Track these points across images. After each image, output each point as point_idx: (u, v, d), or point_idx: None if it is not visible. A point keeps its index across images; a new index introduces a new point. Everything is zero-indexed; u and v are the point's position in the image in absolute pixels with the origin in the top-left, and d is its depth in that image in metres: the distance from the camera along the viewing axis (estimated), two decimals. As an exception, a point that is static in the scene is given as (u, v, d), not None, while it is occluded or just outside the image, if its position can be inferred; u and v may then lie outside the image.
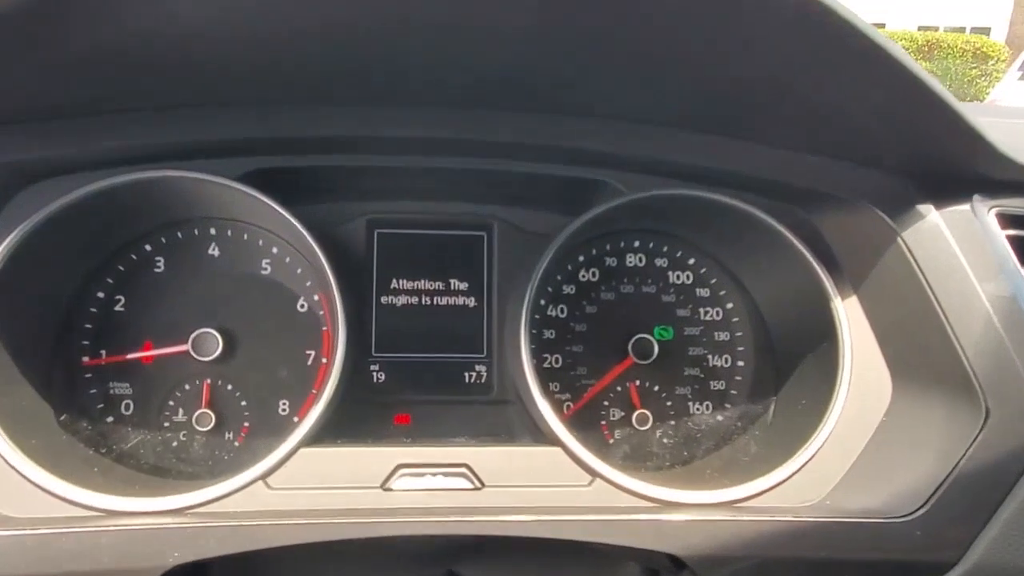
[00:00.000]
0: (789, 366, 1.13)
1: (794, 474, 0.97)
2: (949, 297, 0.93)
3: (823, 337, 1.05)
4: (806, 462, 0.97)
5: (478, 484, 0.96)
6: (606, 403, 1.19)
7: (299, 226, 1.01)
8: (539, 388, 1.01)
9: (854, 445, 0.98)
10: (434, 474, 0.96)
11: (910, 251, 0.96)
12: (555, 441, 0.99)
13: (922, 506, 0.87)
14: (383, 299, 1.19)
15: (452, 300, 1.20)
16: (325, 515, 0.89)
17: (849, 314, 1.03)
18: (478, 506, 0.94)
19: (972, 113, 0.85)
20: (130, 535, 0.83)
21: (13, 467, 0.87)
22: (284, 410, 1.14)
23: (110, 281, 1.12)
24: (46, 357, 1.03)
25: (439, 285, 1.20)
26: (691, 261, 1.23)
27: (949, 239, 0.95)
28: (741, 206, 1.06)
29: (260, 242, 1.16)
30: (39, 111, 0.91)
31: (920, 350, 0.97)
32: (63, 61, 0.79)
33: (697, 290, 1.23)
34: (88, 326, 1.11)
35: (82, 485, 0.88)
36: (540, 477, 0.97)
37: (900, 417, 0.98)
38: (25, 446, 0.88)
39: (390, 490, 0.94)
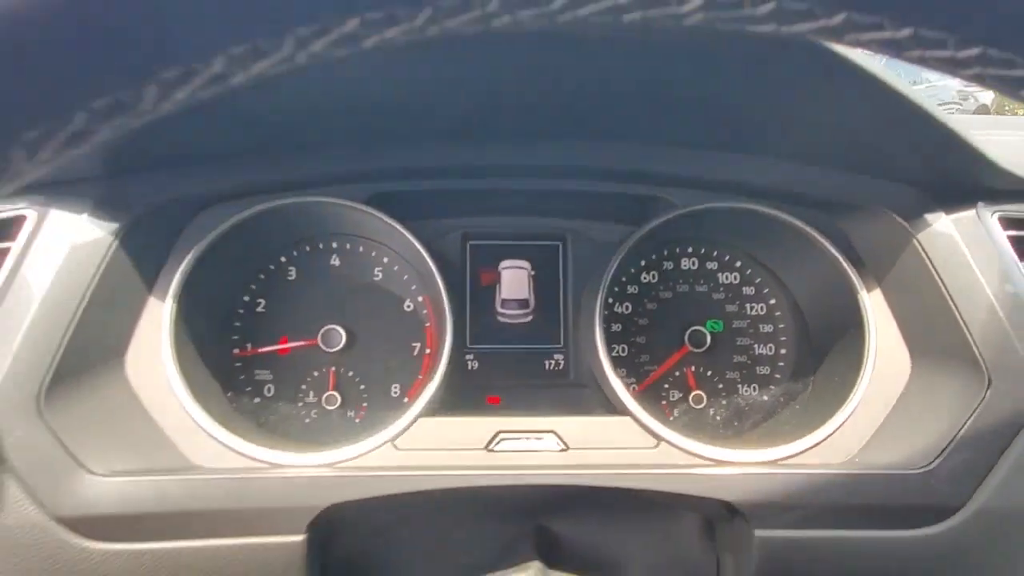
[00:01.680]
0: (824, 350, 1.32)
1: (829, 436, 1.15)
2: (959, 290, 1.11)
3: (852, 324, 1.23)
4: (839, 426, 1.16)
5: (564, 446, 1.16)
6: (666, 386, 1.39)
7: (414, 240, 1.24)
8: (612, 370, 1.22)
9: (879, 412, 1.16)
10: (528, 438, 1.17)
11: (925, 251, 1.14)
12: (625, 412, 1.19)
13: (934, 460, 1.05)
14: (476, 300, 1.41)
15: (537, 299, 1.41)
16: (442, 469, 1.10)
17: (873, 305, 1.22)
18: (565, 464, 1.14)
19: (969, 133, 1.04)
20: (293, 481, 1.06)
21: (203, 428, 1.11)
22: (396, 393, 1.36)
23: (253, 287, 1.36)
24: (214, 347, 1.27)
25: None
26: (738, 264, 1.43)
27: (958, 240, 1.13)
28: (780, 215, 1.25)
29: (373, 253, 1.39)
30: (212, 154, 1.16)
31: (934, 333, 1.15)
32: (235, 119, 1.03)
33: (743, 289, 1.43)
34: (237, 324, 1.35)
35: (254, 443, 1.11)
36: (614, 441, 1.17)
37: (917, 388, 1.16)
38: (211, 411, 1.12)
39: (493, 451, 1.15)
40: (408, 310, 1.38)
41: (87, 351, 1.05)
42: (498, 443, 1.16)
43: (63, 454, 0.97)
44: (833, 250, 1.25)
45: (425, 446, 1.15)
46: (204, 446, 1.11)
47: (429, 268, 1.26)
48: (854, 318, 1.22)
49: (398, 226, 1.23)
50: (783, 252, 1.35)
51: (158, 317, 1.15)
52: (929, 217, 1.15)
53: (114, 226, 1.08)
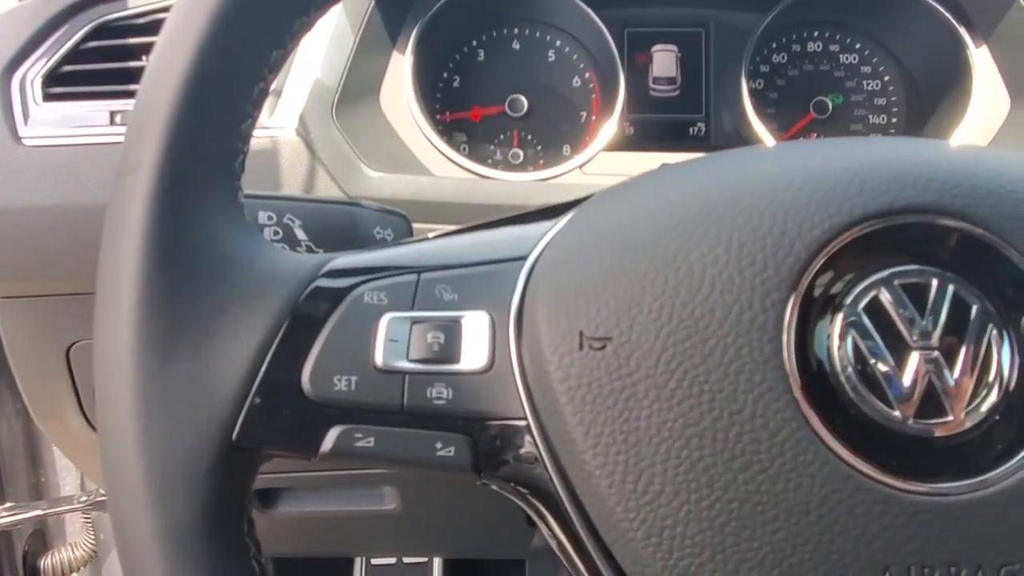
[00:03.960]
0: (933, 107, 1.56)
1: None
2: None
3: (960, 79, 1.47)
4: (946, 153, 1.42)
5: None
6: (792, 148, 1.66)
7: (601, 25, 1.51)
8: (758, 120, 1.49)
9: (983, 141, 1.42)
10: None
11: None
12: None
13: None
14: (632, 78, 1.68)
15: (683, 77, 1.68)
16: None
17: (980, 59, 1.45)
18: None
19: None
20: (513, 184, 1.38)
21: (439, 150, 1.44)
22: (567, 152, 1.67)
23: (451, 66, 1.67)
24: (427, 107, 1.59)
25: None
26: (857, 45, 1.66)
27: (1057, -3, 1.35)
28: None
29: (548, 38, 1.66)
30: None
31: (1032, 77, 1.39)
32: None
33: (862, 67, 1.66)
34: (438, 95, 1.66)
35: (478, 163, 1.44)
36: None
37: (1015, 121, 1.41)
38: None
39: (659, 176, 1.46)
40: (576, 85, 1.67)
41: (356, 85, 1.38)
42: (662, 171, 1.46)
43: (351, 153, 1.31)
44: (949, 15, 1.47)
45: (606, 172, 1.46)
46: (441, 163, 1.44)
47: (605, 47, 1.53)
48: (962, 72, 1.46)
49: (589, 11, 1.50)
50: (901, 25, 1.57)
51: (400, 68, 1.47)
52: (1034, -21, 1.37)
53: (370, -5, 1.40)
